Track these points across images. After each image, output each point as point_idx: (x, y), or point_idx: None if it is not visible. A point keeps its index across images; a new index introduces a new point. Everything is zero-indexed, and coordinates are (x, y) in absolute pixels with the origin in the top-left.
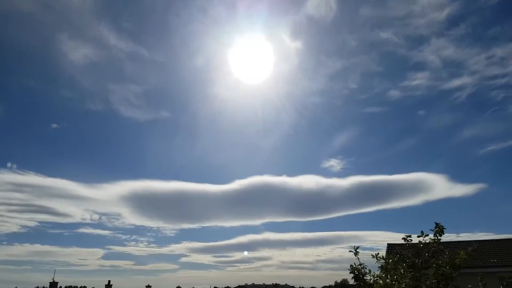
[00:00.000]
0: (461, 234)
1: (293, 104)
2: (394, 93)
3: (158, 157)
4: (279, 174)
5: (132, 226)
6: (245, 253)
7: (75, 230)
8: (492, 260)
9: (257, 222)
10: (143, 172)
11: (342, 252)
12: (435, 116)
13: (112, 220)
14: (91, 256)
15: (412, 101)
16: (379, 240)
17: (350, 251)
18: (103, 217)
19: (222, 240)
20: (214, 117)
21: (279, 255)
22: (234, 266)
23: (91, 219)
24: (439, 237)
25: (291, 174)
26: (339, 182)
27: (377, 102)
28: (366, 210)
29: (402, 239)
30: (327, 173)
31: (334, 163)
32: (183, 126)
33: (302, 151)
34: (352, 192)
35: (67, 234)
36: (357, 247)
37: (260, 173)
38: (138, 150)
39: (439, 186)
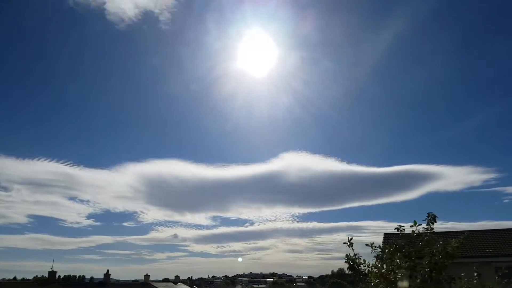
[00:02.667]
0: None
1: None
2: None
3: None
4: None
5: (130, 216)
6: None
7: (73, 220)
8: (488, 250)
9: (255, 212)
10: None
11: (339, 242)
12: None
13: (110, 210)
14: (89, 245)
15: None
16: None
17: (344, 242)
18: (99, 207)
19: (220, 229)
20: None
21: (277, 245)
22: (233, 255)
23: (92, 209)
24: (431, 226)
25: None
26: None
27: None
28: None
29: (395, 229)
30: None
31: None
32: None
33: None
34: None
35: (65, 224)
36: (351, 238)
37: (258, 161)
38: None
39: None
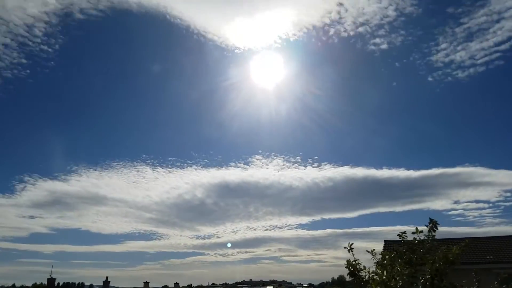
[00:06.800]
0: None
1: None
2: None
3: None
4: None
5: (128, 222)
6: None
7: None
8: (488, 257)
9: (256, 219)
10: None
11: (340, 249)
12: None
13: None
14: (87, 252)
15: None
16: None
17: (344, 247)
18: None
19: (220, 236)
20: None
21: (277, 252)
22: (233, 262)
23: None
24: (433, 233)
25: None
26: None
27: None
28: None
29: (398, 235)
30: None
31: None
32: None
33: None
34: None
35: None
36: (351, 244)
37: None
38: None
39: None
